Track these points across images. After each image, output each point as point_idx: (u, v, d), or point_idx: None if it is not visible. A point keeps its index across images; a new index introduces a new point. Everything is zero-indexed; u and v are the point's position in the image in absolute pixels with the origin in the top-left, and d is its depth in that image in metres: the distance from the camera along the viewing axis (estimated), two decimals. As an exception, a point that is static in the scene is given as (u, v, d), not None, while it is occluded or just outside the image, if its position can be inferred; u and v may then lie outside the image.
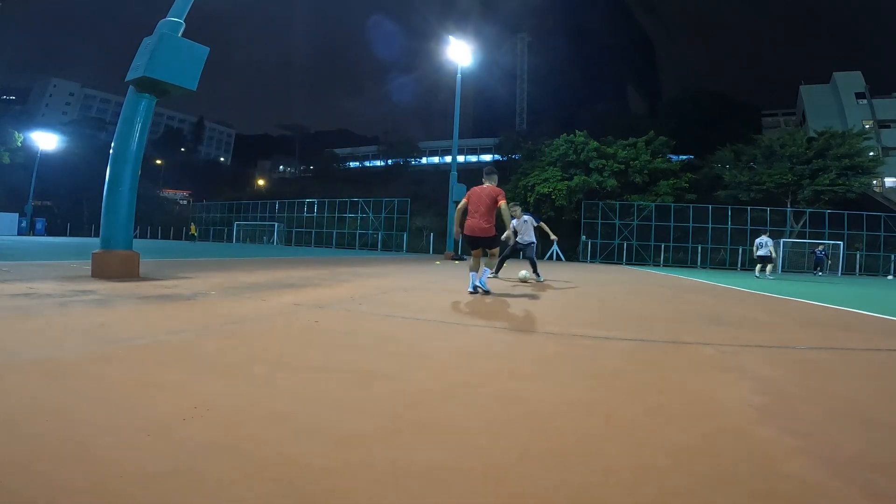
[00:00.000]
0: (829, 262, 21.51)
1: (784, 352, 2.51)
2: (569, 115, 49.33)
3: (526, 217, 7.89)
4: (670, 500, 0.90)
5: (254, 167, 68.99)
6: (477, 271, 4.90)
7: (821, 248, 20.16)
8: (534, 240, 7.93)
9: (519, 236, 7.72)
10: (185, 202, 53.31)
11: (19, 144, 35.27)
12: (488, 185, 4.88)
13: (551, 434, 1.21)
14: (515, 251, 8.05)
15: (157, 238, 40.81)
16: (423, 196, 35.09)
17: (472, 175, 35.90)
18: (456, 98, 19.54)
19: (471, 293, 4.78)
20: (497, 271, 7.58)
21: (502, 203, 4.72)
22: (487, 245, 4.84)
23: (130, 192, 4.81)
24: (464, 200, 4.89)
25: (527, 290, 5.79)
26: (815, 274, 19.51)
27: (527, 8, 68.05)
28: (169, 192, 52.90)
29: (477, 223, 4.75)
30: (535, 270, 7.52)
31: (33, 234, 31.60)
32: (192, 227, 36.32)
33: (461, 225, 5.02)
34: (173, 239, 39.22)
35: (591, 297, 5.28)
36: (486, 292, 4.86)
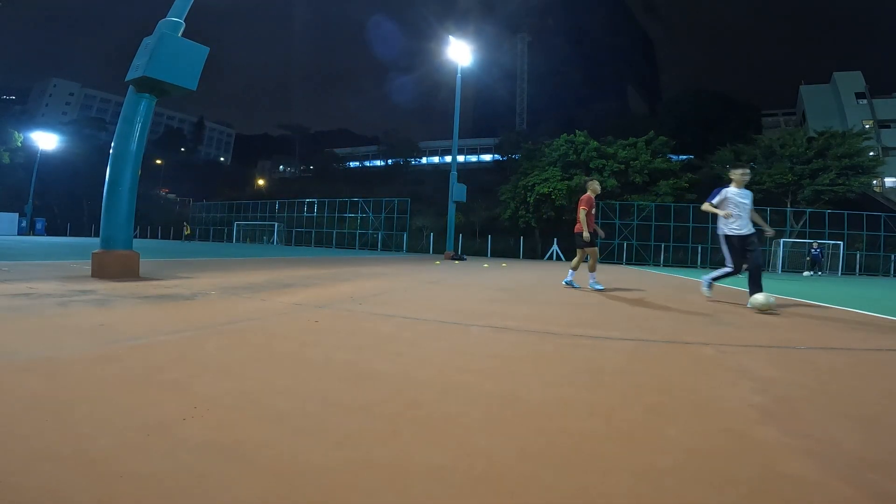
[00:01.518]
0: (826, 260, 21.41)
1: (784, 352, 2.51)
2: (569, 115, 49.40)
3: (744, 194, 4.73)
4: (670, 500, 0.90)
5: (254, 167, 68.99)
6: (594, 270, 5.78)
7: (816, 246, 20.00)
8: (752, 230, 4.71)
9: (727, 224, 4.73)
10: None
11: (19, 144, 35.29)
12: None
13: (551, 434, 1.21)
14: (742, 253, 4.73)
15: (157, 238, 40.80)
16: (423, 196, 35.11)
17: (472, 175, 36.03)
18: (456, 98, 19.54)
19: (598, 291, 5.56)
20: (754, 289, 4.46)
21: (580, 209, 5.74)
22: (575, 241, 5.71)
23: (130, 192, 4.81)
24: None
25: (525, 289, 5.79)
26: (812, 274, 19.41)
27: (527, 8, 68.07)
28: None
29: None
30: (755, 285, 4.40)
31: (33, 234, 31.60)
32: (187, 226, 36.32)
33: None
34: (173, 239, 39.21)
35: (590, 297, 5.27)
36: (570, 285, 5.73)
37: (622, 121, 41.73)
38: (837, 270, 22.01)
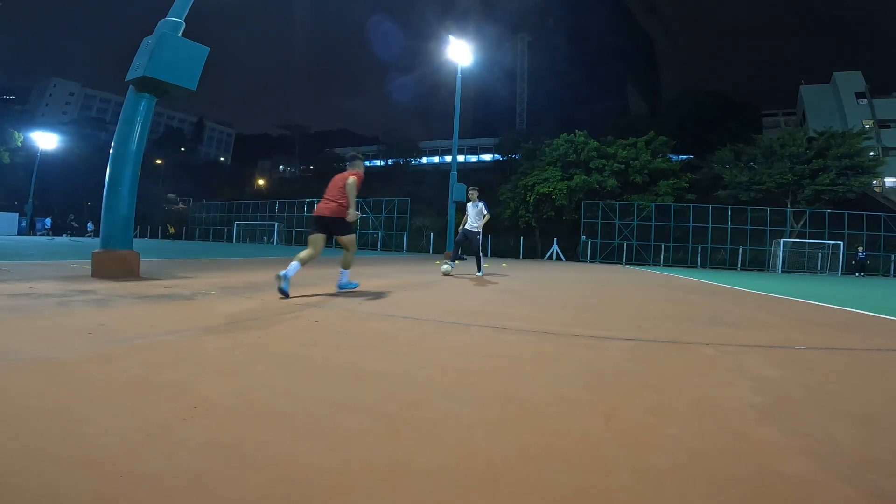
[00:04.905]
0: (869, 263, 21.76)
1: (784, 352, 2.51)
2: (569, 115, 49.41)
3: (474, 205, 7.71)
4: (670, 500, 0.90)
5: (254, 167, 68.96)
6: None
7: (861, 249, 20.30)
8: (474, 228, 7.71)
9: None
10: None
11: (19, 144, 35.26)
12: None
13: (551, 434, 1.21)
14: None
15: (157, 238, 40.83)
16: (423, 196, 35.09)
17: (472, 175, 36.09)
18: (456, 98, 19.52)
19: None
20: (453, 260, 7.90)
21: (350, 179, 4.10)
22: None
23: (130, 192, 4.80)
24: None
25: (525, 288, 5.79)
26: (857, 276, 19.72)
27: (527, 8, 68.01)
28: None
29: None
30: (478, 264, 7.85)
31: (33, 234, 31.61)
32: (171, 227, 37.22)
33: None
34: (175, 239, 39.32)
35: (591, 297, 5.27)
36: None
37: (622, 121, 41.72)
38: (837, 270, 22.03)
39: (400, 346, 2.22)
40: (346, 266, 4.49)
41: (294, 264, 3.79)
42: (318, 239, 4.13)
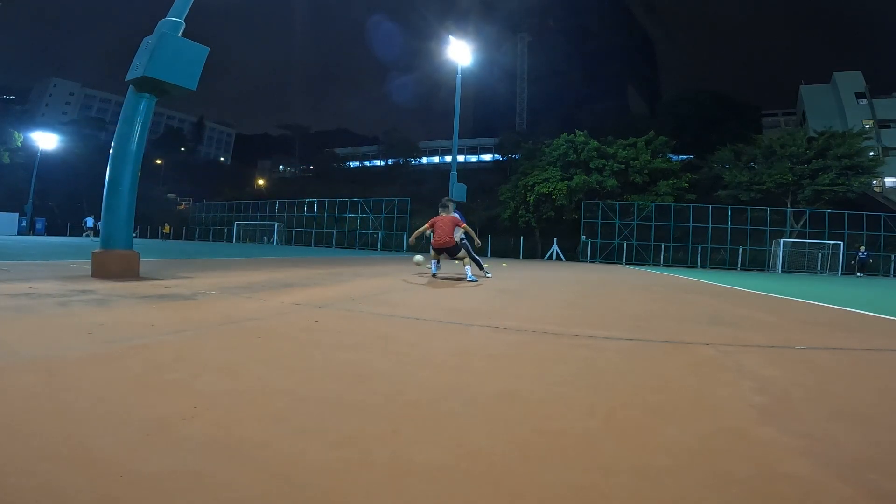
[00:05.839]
0: (871, 262, 21.76)
1: (784, 352, 2.51)
2: (569, 115, 49.47)
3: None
4: (670, 500, 0.90)
5: (254, 167, 69.01)
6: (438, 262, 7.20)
7: (863, 249, 20.27)
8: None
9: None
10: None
11: (19, 144, 35.27)
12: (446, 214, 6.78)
13: (551, 434, 1.21)
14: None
15: (156, 238, 40.89)
16: (423, 196, 35.10)
17: (472, 175, 36.12)
18: (456, 98, 19.52)
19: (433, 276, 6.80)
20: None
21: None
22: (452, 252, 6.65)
23: (130, 192, 4.80)
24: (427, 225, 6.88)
25: (525, 289, 5.79)
26: (857, 276, 19.67)
27: (527, 8, 68.07)
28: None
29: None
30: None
31: (33, 234, 31.60)
32: (167, 226, 37.82)
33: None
34: (173, 239, 39.45)
35: (590, 297, 5.27)
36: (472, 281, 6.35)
37: (622, 120, 41.73)
38: (837, 270, 22.04)
39: (400, 346, 2.22)
40: (468, 265, 6.67)
41: (432, 265, 7.13)
42: (440, 257, 6.97)
